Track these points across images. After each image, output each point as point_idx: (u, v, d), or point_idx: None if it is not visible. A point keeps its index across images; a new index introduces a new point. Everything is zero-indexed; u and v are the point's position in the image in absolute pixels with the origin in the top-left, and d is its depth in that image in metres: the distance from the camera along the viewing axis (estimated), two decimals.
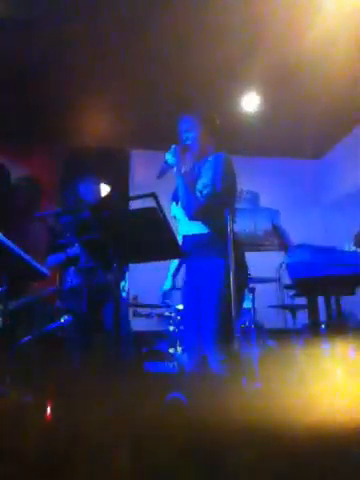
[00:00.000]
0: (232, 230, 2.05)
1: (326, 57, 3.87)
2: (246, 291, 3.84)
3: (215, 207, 2.12)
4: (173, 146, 2.24)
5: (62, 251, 2.92)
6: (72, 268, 3.06)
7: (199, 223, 2.21)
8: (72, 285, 3.03)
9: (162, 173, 2.24)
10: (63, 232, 2.60)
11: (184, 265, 2.41)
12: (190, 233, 2.25)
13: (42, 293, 3.22)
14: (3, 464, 0.92)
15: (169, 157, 2.22)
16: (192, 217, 2.17)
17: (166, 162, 2.22)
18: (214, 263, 2.14)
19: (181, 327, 3.40)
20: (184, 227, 2.29)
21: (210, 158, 2.24)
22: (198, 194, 2.15)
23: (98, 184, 3.12)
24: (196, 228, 2.22)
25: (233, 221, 2.09)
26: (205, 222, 2.18)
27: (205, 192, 2.14)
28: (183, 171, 2.23)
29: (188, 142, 2.29)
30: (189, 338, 2.29)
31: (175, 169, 2.22)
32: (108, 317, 2.94)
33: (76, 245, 2.67)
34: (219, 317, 2.08)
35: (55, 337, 2.98)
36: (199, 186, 2.17)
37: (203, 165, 2.24)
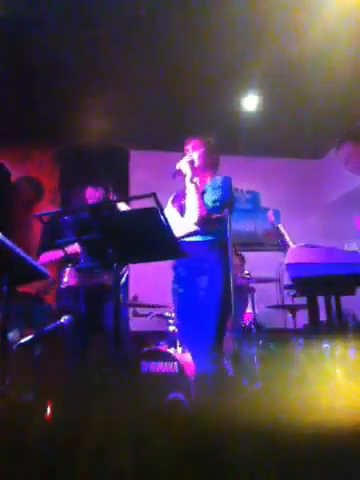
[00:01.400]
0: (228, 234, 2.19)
1: (326, 57, 3.87)
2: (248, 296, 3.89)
3: (218, 217, 2.34)
4: (185, 158, 2.48)
5: (60, 249, 2.91)
6: (68, 268, 3.06)
7: (197, 231, 2.38)
8: (69, 285, 3.02)
9: (174, 175, 2.48)
10: (62, 232, 2.59)
11: (176, 270, 2.45)
12: (188, 239, 2.37)
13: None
14: (3, 464, 0.92)
15: (182, 166, 2.45)
16: (199, 221, 2.35)
17: (179, 170, 2.46)
18: (213, 268, 2.29)
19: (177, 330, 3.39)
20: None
21: (219, 177, 2.49)
22: (209, 203, 2.37)
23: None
24: (195, 235, 2.38)
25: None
26: (207, 229, 2.37)
27: (217, 204, 2.35)
28: (195, 180, 2.46)
29: (193, 158, 2.52)
30: (191, 339, 2.33)
31: (188, 177, 2.43)
32: (108, 318, 2.93)
33: (75, 244, 2.66)
34: (215, 319, 2.22)
35: (55, 337, 2.98)
36: (211, 197, 2.39)
37: (212, 182, 2.47)
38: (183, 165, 2.46)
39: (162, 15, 3.50)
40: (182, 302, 2.41)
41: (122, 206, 2.96)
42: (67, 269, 3.08)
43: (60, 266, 3.17)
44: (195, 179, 2.44)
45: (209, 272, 2.30)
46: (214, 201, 2.37)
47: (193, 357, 2.34)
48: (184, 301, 2.39)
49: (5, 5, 3.36)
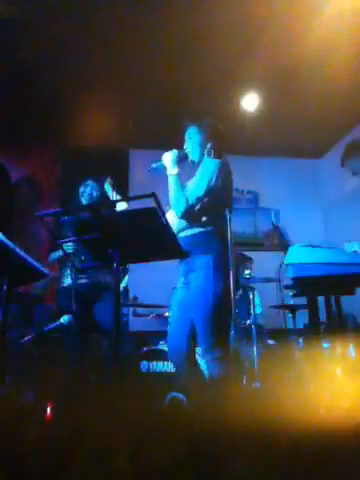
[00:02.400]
0: (228, 231, 2.13)
1: (326, 57, 3.87)
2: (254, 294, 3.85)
3: (205, 208, 2.22)
4: (174, 151, 2.34)
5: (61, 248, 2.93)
6: (67, 268, 3.07)
7: (189, 224, 2.28)
8: (69, 285, 3.03)
9: (153, 170, 2.37)
10: (62, 232, 2.60)
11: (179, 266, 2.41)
12: (183, 233, 2.30)
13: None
14: (2, 464, 0.93)
15: (164, 158, 2.33)
16: (183, 214, 2.24)
17: (159, 165, 2.35)
18: (206, 262, 2.20)
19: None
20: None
21: (202, 163, 2.34)
22: (190, 192, 2.25)
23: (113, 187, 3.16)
24: (187, 230, 2.29)
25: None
26: (195, 221, 2.26)
27: (198, 193, 2.22)
28: (176, 172, 2.30)
29: (187, 150, 2.40)
30: (177, 342, 2.28)
31: (169, 170, 2.30)
32: (101, 316, 2.95)
33: (74, 244, 2.67)
34: (213, 316, 2.14)
35: (55, 337, 2.98)
36: (192, 185, 2.28)
37: (196, 169, 2.35)
38: (165, 158, 2.33)
39: (162, 15, 3.50)
40: (174, 300, 2.37)
41: (120, 206, 2.97)
42: (67, 269, 3.09)
43: (61, 266, 3.19)
44: (173, 171, 2.28)
45: (202, 267, 2.19)
46: (196, 188, 2.24)
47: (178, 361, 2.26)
48: (175, 300, 2.35)
49: (5, 5, 3.36)
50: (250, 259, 4.35)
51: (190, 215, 2.24)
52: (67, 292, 3.01)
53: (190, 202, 2.22)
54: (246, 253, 4.38)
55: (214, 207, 2.24)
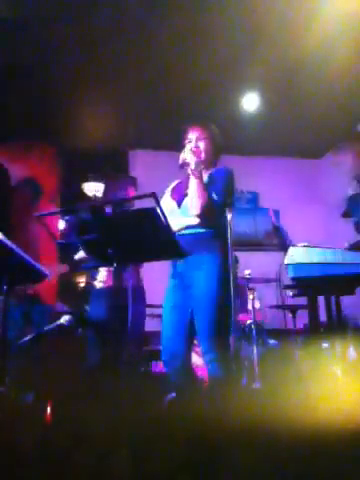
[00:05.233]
0: (229, 230, 2.14)
1: (326, 57, 3.87)
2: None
3: (217, 210, 2.25)
4: (188, 146, 2.35)
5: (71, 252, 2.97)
6: (102, 269, 3.09)
7: (197, 223, 2.27)
8: (103, 286, 3.05)
9: (182, 167, 2.35)
10: (63, 232, 2.60)
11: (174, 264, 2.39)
12: (187, 231, 2.29)
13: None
14: (2, 464, 0.93)
15: (187, 155, 2.31)
16: (201, 213, 2.25)
17: (185, 161, 2.32)
18: (211, 261, 2.21)
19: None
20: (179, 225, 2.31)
21: (221, 168, 2.42)
22: (212, 195, 2.27)
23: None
24: (190, 228, 2.29)
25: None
26: (206, 221, 2.26)
27: (217, 199, 2.25)
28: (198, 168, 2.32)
29: (199, 147, 2.40)
30: (173, 344, 2.24)
31: (192, 167, 2.29)
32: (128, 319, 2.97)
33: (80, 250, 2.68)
34: (216, 316, 2.13)
35: (55, 337, 2.98)
36: (213, 189, 2.30)
37: (214, 174, 2.38)
38: (188, 154, 2.31)
39: (162, 15, 3.51)
40: (170, 298, 2.35)
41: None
42: (101, 269, 3.10)
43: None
44: (198, 167, 2.29)
45: (209, 267, 2.21)
46: (217, 194, 2.28)
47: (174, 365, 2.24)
48: (172, 298, 2.33)
49: (4, 5, 3.36)
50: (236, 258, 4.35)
51: (205, 215, 2.26)
52: (100, 295, 3.03)
53: (212, 204, 2.25)
54: (235, 253, 4.37)
55: (221, 211, 2.26)
